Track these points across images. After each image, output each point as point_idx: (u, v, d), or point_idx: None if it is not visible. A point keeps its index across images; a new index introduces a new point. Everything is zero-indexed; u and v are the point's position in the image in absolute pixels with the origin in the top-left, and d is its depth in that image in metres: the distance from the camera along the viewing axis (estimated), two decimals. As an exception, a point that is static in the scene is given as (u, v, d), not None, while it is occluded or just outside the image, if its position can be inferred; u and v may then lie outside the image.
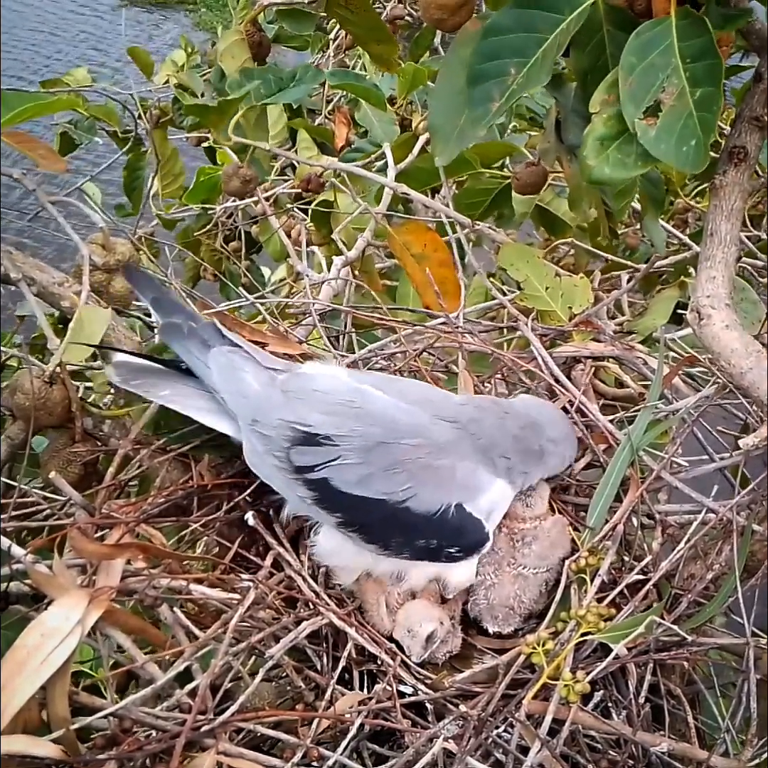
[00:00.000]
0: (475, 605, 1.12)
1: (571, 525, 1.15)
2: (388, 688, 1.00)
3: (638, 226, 2.24)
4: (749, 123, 1.01)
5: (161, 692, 0.95)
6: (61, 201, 1.33)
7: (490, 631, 1.11)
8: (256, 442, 1.08)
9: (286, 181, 2.40)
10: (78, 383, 1.49)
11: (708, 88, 0.90)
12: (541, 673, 0.96)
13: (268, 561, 1.10)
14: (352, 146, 2.18)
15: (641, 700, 1.01)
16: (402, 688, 1.02)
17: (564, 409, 1.26)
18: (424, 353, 1.39)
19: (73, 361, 1.20)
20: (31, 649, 0.85)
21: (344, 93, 2.51)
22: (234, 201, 2.23)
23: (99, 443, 1.28)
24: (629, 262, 1.92)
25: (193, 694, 0.92)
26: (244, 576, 1.07)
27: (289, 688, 1.08)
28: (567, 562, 1.09)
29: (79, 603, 0.89)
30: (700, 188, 2.22)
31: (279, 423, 1.06)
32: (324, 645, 1.06)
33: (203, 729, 0.90)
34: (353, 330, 1.61)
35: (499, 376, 1.39)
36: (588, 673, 0.95)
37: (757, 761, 0.98)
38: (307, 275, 1.77)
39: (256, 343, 1.20)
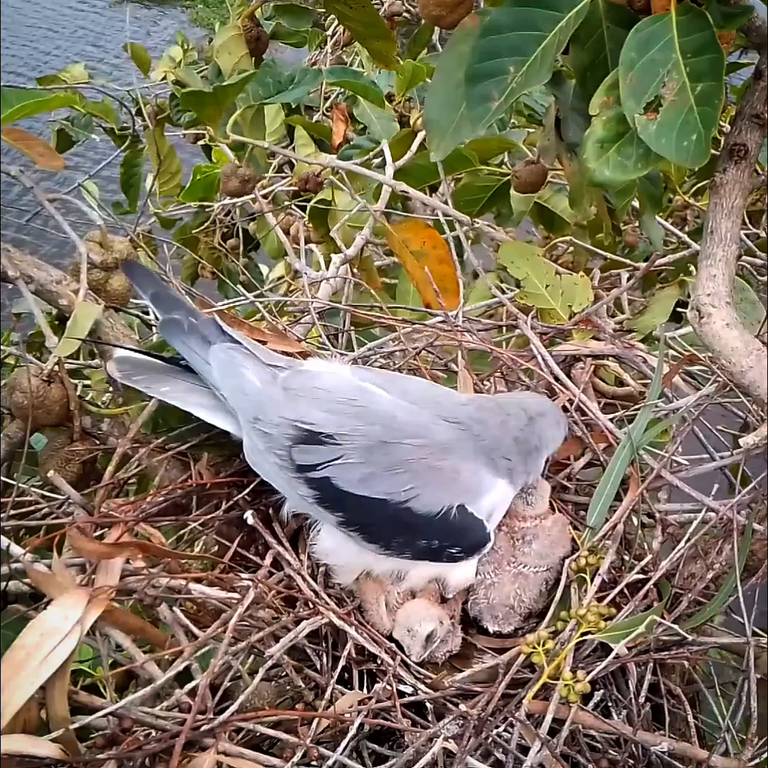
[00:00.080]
0: (475, 604, 1.11)
1: (572, 524, 1.15)
2: (388, 687, 1.00)
3: (637, 224, 2.23)
4: (749, 120, 1.01)
5: (161, 692, 0.95)
6: (59, 198, 1.32)
7: (490, 630, 1.11)
8: (257, 439, 1.07)
9: (284, 178, 2.40)
10: (76, 382, 1.49)
11: (709, 82, 0.89)
12: (541, 672, 0.96)
13: (268, 560, 1.10)
14: (350, 143, 2.18)
15: (641, 700, 1.01)
16: (402, 687, 1.02)
17: (564, 407, 1.25)
18: (423, 352, 1.39)
19: (63, 354, 1.20)
20: (31, 648, 0.85)
21: (342, 90, 2.50)
22: (231, 198, 2.22)
23: (98, 442, 1.27)
24: (628, 260, 1.92)
25: (192, 693, 0.92)
26: (243, 575, 1.06)
27: (288, 687, 1.08)
28: (567, 561, 1.09)
29: (78, 602, 0.89)
30: (698, 186, 2.21)
31: (281, 421, 1.05)
32: (324, 644, 1.06)
33: (203, 729, 0.89)
34: (352, 328, 1.61)
35: (498, 374, 1.38)
36: (588, 673, 0.95)
37: (757, 761, 0.97)
38: (306, 273, 1.77)
39: (255, 341, 1.20)
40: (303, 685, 1.04)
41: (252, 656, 1.08)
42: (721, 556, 1.09)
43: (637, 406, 1.31)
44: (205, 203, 2.42)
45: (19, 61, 8.25)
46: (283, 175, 2.44)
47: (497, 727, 0.96)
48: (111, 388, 1.39)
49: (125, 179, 2.80)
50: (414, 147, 1.97)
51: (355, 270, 1.87)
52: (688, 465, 1.23)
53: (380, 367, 1.40)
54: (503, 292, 1.60)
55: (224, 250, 2.64)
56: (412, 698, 1.01)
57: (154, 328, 1.59)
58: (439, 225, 1.77)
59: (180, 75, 2.56)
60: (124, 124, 2.76)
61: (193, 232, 2.62)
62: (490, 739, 0.96)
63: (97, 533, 1.07)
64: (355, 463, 1.02)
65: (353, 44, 2.82)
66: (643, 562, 1.07)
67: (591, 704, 1.00)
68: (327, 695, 1.00)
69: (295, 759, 0.91)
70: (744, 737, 0.99)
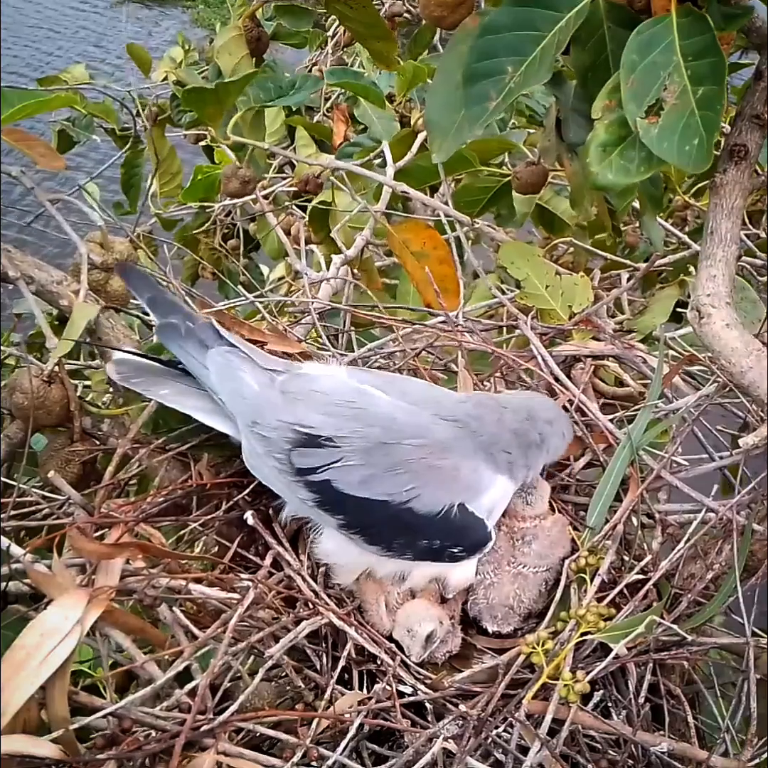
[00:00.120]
0: (475, 604, 1.11)
1: (571, 524, 1.15)
2: (388, 687, 1.00)
3: (637, 225, 2.23)
4: (750, 121, 1.01)
5: (161, 692, 0.94)
6: (60, 199, 1.32)
7: (490, 630, 1.11)
8: (255, 443, 1.07)
9: (284, 178, 2.40)
10: (77, 382, 1.49)
11: (710, 86, 0.89)
12: (540, 672, 0.96)
13: (268, 560, 1.10)
14: (351, 141, 2.17)
15: (641, 700, 1.01)
16: (401, 688, 1.02)
17: (564, 407, 1.25)
18: (423, 352, 1.39)
19: (59, 355, 1.20)
20: (31, 648, 0.85)
21: (343, 90, 2.50)
22: (232, 199, 2.22)
23: (98, 442, 1.28)
24: (628, 261, 1.92)
25: (192, 693, 0.92)
26: (243, 575, 1.06)
27: (288, 688, 1.08)
28: (567, 561, 1.09)
29: (78, 602, 0.89)
30: (699, 186, 2.21)
31: (279, 424, 1.05)
32: (323, 645, 1.06)
33: (203, 729, 0.89)
34: (352, 329, 1.61)
35: (498, 374, 1.38)
36: (588, 673, 0.95)
37: (757, 761, 0.97)
38: (306, 274, 1.77)
39: (254, 342, 1.20)
40: (303, 686, 1.04)
41: (252, 656, 1.08)
42: (720, 556, 1.09)
43: (637, 407, 1.31)
44: (206, 204, 2.42)
45: (21, 61, 8.26)
46: (284, 175, 2.44)
47: (497, 727, 0.96)
48: (111, 389, 1.39)
49: (126, 180, 2.80)
50: (414, 148, 1.97)
51: (355, 271, 1.87)
52: (688, 465, 1.23)
53: (380, 367, 1.40)
54: (503, 292, 1.60)
55: (225, 250, 2.64)
56: (411, 698, 1.01)
57: (153, 329, 1.60)
58: (440, 225, 1.77)
59: (181, 75, 2.56)
60: (125, 125, 2.76)
61: (194, 232, 2.62)
62: (490, 739, 0.96)
63: (98, 534, 1.07)
64: (354, 465, 1.02)
65: (354, 45, 2.82)
66: (642, 563, 1.07)
67: (591, 704, 1.00)
68: (327, 695, 1.00)
69: (295, 759, 0.90)
70: (744, 737, 0.99)
